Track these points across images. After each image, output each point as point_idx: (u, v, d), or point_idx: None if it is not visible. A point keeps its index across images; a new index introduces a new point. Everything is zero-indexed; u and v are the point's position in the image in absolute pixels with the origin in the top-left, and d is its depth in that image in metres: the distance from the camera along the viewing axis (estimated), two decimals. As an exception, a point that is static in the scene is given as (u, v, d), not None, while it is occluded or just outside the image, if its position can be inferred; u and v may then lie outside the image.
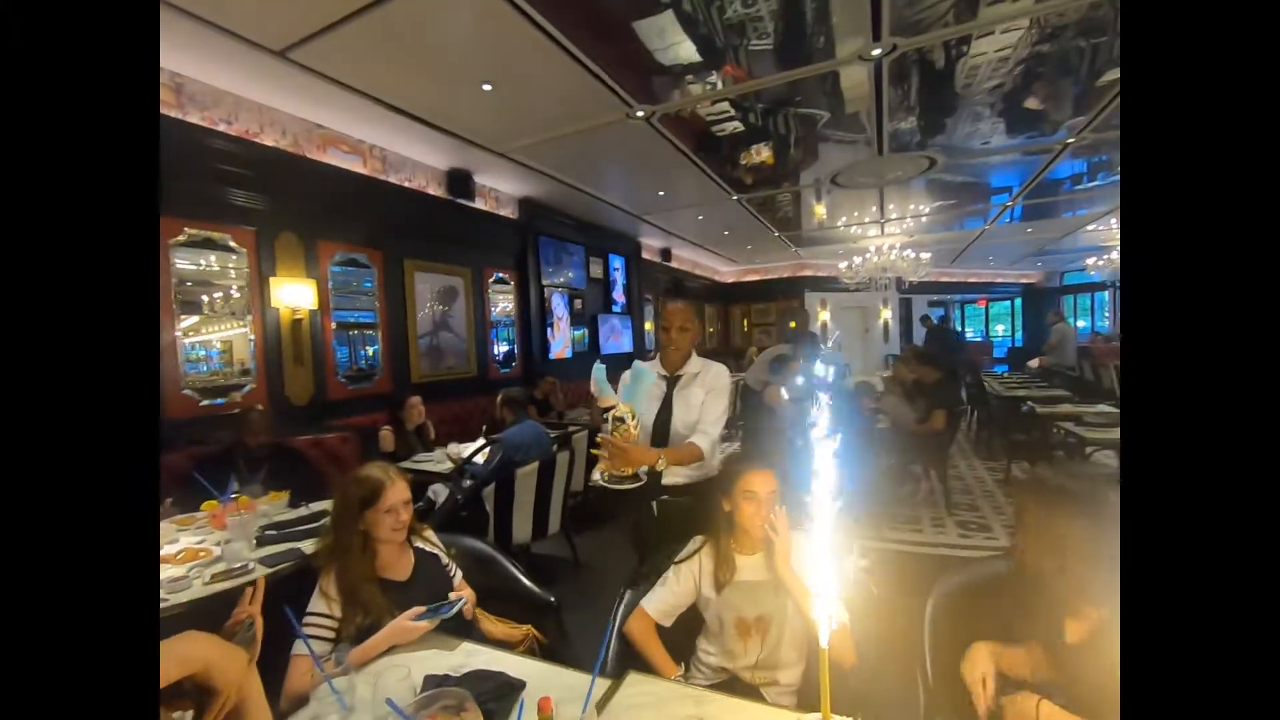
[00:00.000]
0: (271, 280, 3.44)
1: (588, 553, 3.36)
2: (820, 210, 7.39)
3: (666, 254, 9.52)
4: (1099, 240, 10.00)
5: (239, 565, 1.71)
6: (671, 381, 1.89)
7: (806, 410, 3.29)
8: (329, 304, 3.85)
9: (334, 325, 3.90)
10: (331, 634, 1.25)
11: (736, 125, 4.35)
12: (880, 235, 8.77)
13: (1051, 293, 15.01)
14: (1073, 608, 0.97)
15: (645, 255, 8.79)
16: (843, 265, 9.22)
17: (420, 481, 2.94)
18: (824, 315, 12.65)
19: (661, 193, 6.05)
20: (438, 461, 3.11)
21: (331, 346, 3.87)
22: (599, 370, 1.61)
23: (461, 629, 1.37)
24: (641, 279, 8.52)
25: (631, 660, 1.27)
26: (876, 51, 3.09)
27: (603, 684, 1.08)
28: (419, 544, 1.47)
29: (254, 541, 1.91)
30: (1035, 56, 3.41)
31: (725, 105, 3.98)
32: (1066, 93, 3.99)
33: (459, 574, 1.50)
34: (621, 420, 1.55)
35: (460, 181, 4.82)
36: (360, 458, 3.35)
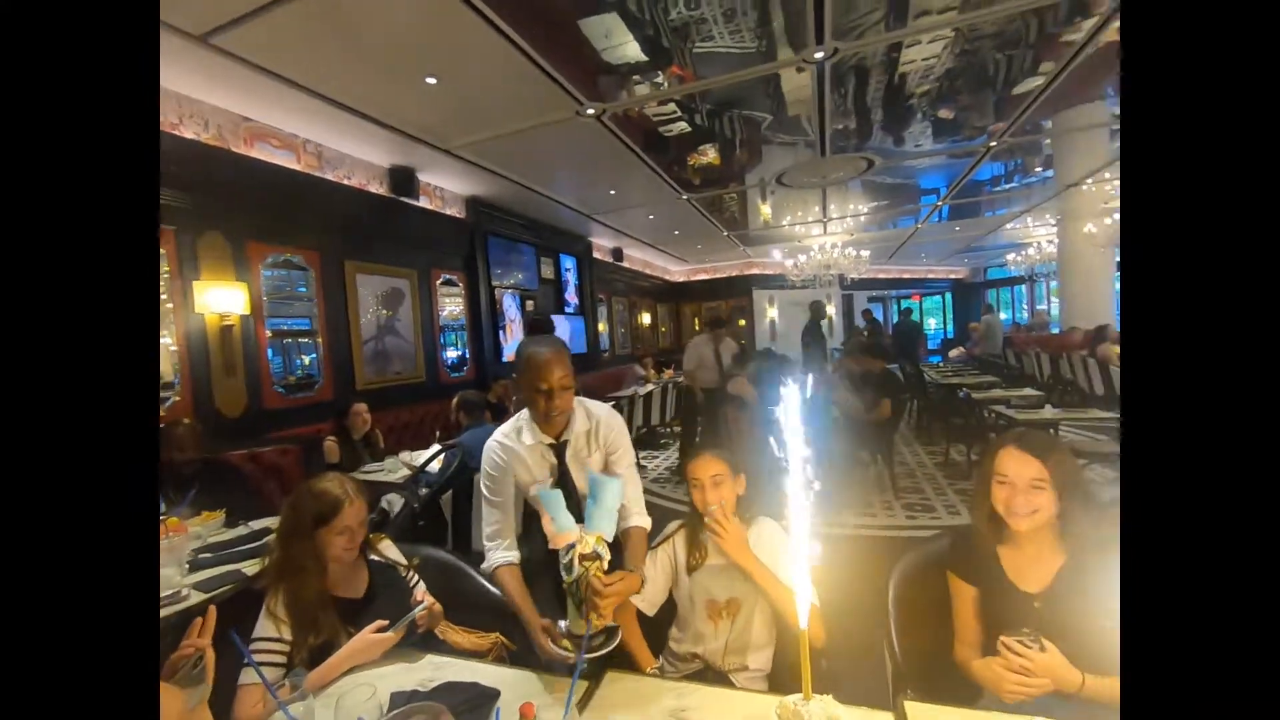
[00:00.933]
0: (196, 284, 3.18)
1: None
2: (766, 210, 7.61)
3: (618, 254, 9.53)
4: (1017, 238, 10.85)
5: (170, 593, 1.57)
6: (559, 450, 1.41)
7: (772, 402, 3.38)
8: (262, 309, 3.60)
9: (269, 332, 3.65)
10: (283, 659, 1.17)
11: (684, 126, 4.41)
12: (823, 234, 9.12)
13: (977, 287, 16.12)
14: (1034, 557, 1.09)
15: (597, 255, 8.76)
16: (789, 263, 9.53)
17: (373, 492, 2.81)
18: (772, 312, 13.03)
19: (612, 191, 6.06)
20: (390, 470, 2.97)
21: (266, 354, 3.63)
22: (549, 495, 1.08)
23: (426, 642, 1.32)
24: (594, 279, 8.48)
25: (606, 658, 1.26)
26: (819, 55, 3.21)
27: (580, 685, 1.06)
28: (374, 557, 1.40)
29: (186, 566, 1.76)
30: (959, 66, 3.65)
31: (673, 106, 4.03)
32: (987, 100, 4.30)
33: (421, 585, 1.43)
34: (595, 557, 1.03)
35: (403, 179, 4.63)
36: (303, 470, 3.16)
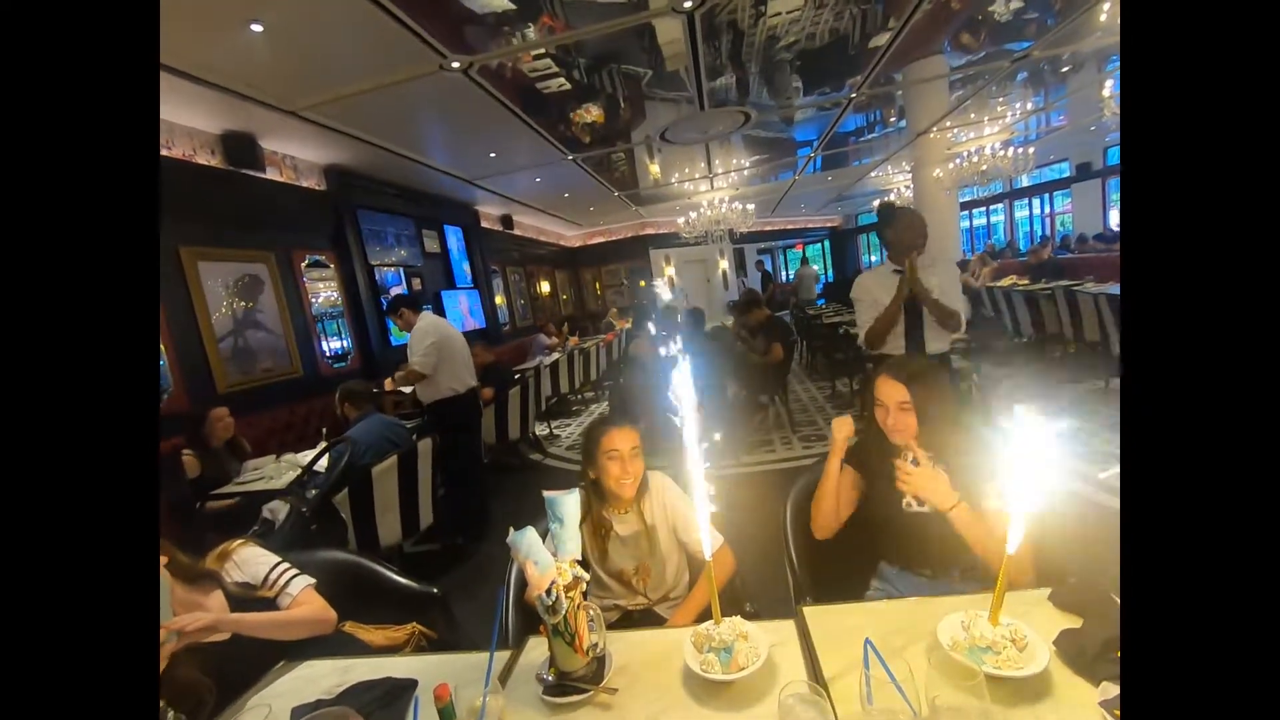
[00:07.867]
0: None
1: (468, 539, 3.22)
2: (654, 168, 7.61)
3: (508, 221, 9.10)
4: (881, 185, 11.86)
5: None
6: None
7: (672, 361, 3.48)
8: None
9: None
10: None
11: (562, 82, 4.22)
12: (710, 189, 9.34)
13: (851, 233, 17.51)
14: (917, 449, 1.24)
15: (485, 224, 8.30)
16: (680, 220, 9.68)
17: (254, 502, 2.53)
18: (669, 270, 13.26)
19: (493, 154, 5.71)
20: (270, 476, 2.68)
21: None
22: (523, 537, 0.94)
23: (334, 647, 1.23)
24: (485, 250, 8.06)
25: (532, 627, 1.26)
26: (688, 4, 3.18)
27: (502, 657, 1.05)
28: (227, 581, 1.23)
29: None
30: (818, 19, 3.81)
31: (549, 61, 3.83)
32: (846, 53, 4.55)
33: (298, 580, 1.27)
34: (576, 582, 0.92)
35: (241, 148, 4.01)
36: (160, 493, 2.76)
